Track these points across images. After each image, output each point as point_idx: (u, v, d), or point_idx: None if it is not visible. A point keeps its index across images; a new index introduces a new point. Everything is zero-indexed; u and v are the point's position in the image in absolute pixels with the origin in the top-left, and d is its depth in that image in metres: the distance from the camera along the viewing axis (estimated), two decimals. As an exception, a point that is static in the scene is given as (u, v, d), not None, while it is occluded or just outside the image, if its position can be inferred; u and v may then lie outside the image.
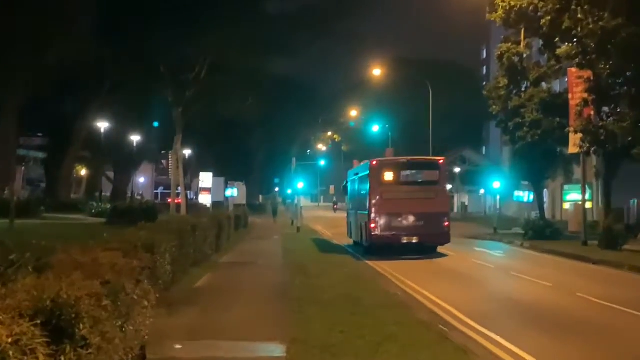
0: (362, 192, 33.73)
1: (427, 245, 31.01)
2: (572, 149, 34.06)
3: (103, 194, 69.53)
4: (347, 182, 39.74)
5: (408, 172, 32.64)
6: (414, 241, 30.65)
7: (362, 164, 36.86)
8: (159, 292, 13.90)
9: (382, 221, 30.90)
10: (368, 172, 32.38)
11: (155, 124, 58.43)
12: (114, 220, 36.10)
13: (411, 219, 30.81)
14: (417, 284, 20.79)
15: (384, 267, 25.83)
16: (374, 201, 31.22)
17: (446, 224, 31.00)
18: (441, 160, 33.36)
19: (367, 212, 31.48)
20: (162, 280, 14.56)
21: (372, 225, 30.91)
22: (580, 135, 32.14)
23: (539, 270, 25.04)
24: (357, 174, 36.88)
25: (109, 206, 45.72)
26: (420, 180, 32.32)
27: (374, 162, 32.49)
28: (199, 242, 22.39)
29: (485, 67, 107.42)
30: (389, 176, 31.83)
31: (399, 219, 30.89)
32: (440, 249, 31.44)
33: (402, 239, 30.62)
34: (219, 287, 19.21)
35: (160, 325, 12.29)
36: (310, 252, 30.37)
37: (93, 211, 47.41)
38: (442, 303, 17.28)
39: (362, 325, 13.37)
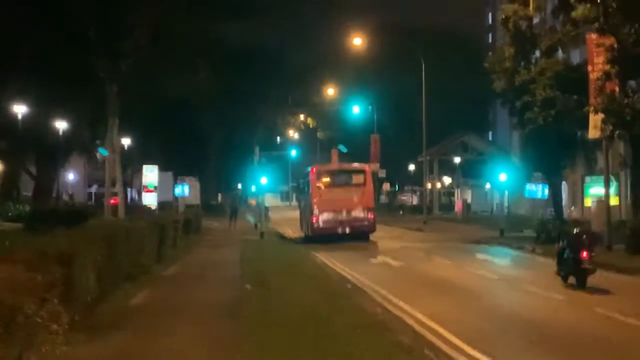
0: (306, 193, 49.09)
1: (359, 234, 44.98)
2: (593, 133, 33.94)
3: (24, 193, 68.83)
4: (298, 185, 57.40)
5: (340, 177, 47.98)
6: (347, 231, 45.13)
7: (307, 170, 50.78)
8: (80, 313, 13.84)
9: (321, 216, 45.62)
10: (309, 177, 47.90)
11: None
12: (35, 225, 35.81)
13: (344, 213, 45.64)
14: (402, 299, 20.85)
15: (363, 279, 25.98)
16: (314, 200, 46.22)
17: (371, 216, 46.02)
18: (367, 167, 50.10)
19: (310, 209, 46.55)
20: (82, 298, 14.44)
21: (314, 220, 45.72)
22: (601, 115, 32.11)
23: (550, 280, 25.01)
24: (304, 178, 51.76)
25: (28, 208, 45.42)
26: (350, 183, 47.13)
27: (313, 169, 48.20)
28: (135, 251, 22.29)
29: (491, 35, 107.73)
30: (325, 180, 47.01)
31: (334, 214, 45.65)
32: (434, 257, 34.14)
33: (338, 230, 45.29)
34: (157, 305, 19.12)
35: (78, 355, 12.21)
36: (274, 261, 30.24)
37: (10, 214, 47.05)
38: (429, 322, 17.36)
39: (329, 351, 13.35)
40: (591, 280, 22.67)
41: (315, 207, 45.86)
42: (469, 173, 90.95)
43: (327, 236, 44.32)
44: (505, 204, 55.48)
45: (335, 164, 57.17)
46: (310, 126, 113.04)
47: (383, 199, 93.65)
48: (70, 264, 13.07)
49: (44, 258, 11.49)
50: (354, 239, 43.74)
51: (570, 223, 28.84)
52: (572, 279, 23.24)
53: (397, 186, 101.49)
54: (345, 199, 45.92)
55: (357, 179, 47.26)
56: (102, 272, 16.71)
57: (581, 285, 22.75)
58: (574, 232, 23.87)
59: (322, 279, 25.30)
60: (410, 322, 17.65)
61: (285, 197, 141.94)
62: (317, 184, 46.70)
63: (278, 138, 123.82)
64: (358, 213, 45.80)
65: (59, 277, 11.42)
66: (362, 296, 21.91)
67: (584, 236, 23.40)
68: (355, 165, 52.26)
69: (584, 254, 22.60)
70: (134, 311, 17.99)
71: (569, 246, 23.50)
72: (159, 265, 27.38)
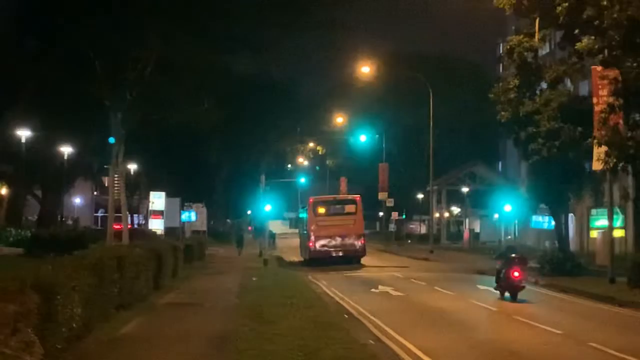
0: (305, 221, 55.35)
1: (351, 257, 50.69)
2: (596, 165, 33.80)
3: (29, 217, 68.90)
4: (299, 214, 64.37)
5: (334, 207, 54.07)
6: (340, 254, 50.82)
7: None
8: (62, 342, 13.68)
9: (317, 241, 51.44)
10: (307, 207, 54.38)
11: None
12: (36, 250, 35.67)
13: (337, 239, 51.36)
14: (397, 329, 20.74)
15: (361, 309, 25.82)
16: (311, 227, 52.12)
17: (362, 241, 51.92)
18: (357, 197, 55.33)
19: (307, 235, 52.35)
20: (66, 327, 14.29)
21: (311, 244, 51.52)
22: (605, 148, 31.98)
23: (550, 313, 24.96)
24: (303, 207, 59.41)
25: (29, 233, 45.22)
26: (343, 212, 53.05)
27: (311, 200, 54.74)
28: (129, 279, 22.14)
29: (501, 66, 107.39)
30: (321, 209, 53.25)
31: (329, 239, 51.35)
32: (436, 288, 33.90)
33: (332, 253, 50.92)
34: (146, 335, 18.90)
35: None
36: (273, 291, 30.02)
37: (10, 239, 46.87)
38: (421, 355, 17.29)
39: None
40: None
41: (312, 233, 51.86)
42: (477, 203, 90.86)
43: (323, 259, 50.04)
44: (513, 235, 55.34)
45: (330, 195, 64.26)
46: (320, 153, 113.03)
47: (392, 227, 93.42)
48: (50, 292, 12.91)
49: (21, 287, 11.36)
50: (347, 263, 49.47)
51: (506, 248, 33.98)
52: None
53: (404, 215, 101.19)
54: (339, 227, 51.87)
55: (349, 208, 53.65)
56: (90, 300, 16.55)
57: (513, 298, 28.43)
58: (509, 256, 29.53)
59: (320, 309, 25.02)
60: (402, 354, 17.49)
61: (295, 224, 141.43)
62: (314, 213, 52.98)
63: (289, 165, 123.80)
64: (350, 239, 51.71)
65: (35, 306, 11.28)
66: (357, 327, 21.69)
67: (516, 259, 29.01)
68: (348, 196, 60.93)
69: (515, 274, 28.33)
70: (121, 341, 17.77)
71: (504, 267, 28.86)
72: (156, 293, 27.21)
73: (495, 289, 29.67)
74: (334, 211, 53.46)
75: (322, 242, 51.48)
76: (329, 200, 57.15)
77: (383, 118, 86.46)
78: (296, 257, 57.00)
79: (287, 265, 49.25)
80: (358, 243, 51.81)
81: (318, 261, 49.93)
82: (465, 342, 19.54)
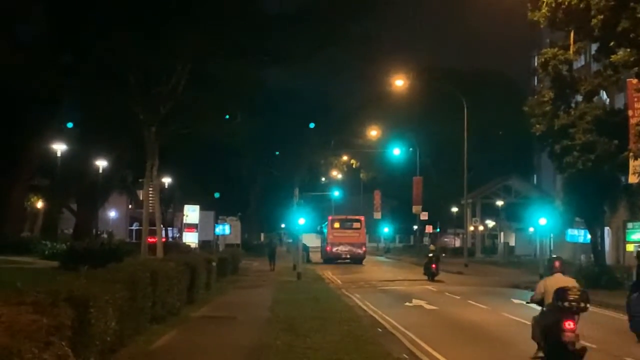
0: (324, 233, 76.72)
1: (356, 260, 70.35)
2: (632, 178, 33.76)
3: (64, 230, 69.29)
4: (321, 228, 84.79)
5: (346, 223, 74.42)
6: (347, 257, 71.11)
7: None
8: (98, 356, 13.77)
9: (332, 247, 72.16)
10: (327, 222, 75.48)
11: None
12: (70, 263, 35.61)
13: (346, 246, 71.81)
14: (430, 343, 20.72)
15: (395, 322, 25.76)
16: (329, 237, 72.90)
17: (364, 249, 73.42)
18: (362, 217, 76.69)
19: (325, 243, 74.22)
20: (100, 340, 14.37)
21: (328, 249, 73.04)
22: (640, 161, 31.84)
23: (584, 328, 24.54)
24: (324, 222, 79.34)
25: (64, 246, 45.35)
26: (351, 227, 73.53)
27: (330, 218, 77.00)
28: (163, 293, 22.20)
29: (536, 78, 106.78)
30: (336, 225, 73.88)
31: (340, 247, 71.78)
32: (470, 301, 33.98)
33: (342, 256, 71.25)
34: (179, 349, 18.90)
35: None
36: (307, 304, 29.98)
37: (46, 252, 46.98)
38: (455, 370, 17.22)
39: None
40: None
41: (329, 241, 72.99)
42: (512, 216, 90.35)
43: (335, 260, 70.52)
44: (549, 248, 54.92)
45: (343, 215, 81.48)
46: (354, 167, 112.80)
47: (427, 241, 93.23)
48: (84, 305, 12.99)
49: (54, 300, 11.44)
50: (353, 263, 68.88)
51: (430, 250, 51.13)
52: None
53: (439, 228, 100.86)
54: (348, 237, 72.40)
55: (356, 225, 74.31)
56: (124, 314, 16.62)
57: (432, 279, 47.21)
58: (431, 257, 48.33)
59: (353, 322, 24.95)
60: (436, 369, 17.54)
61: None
62: (331, 227, 73.74)
63: (323, 179, 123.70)
64: (356, 247, 72.30)
65: (68, 319, 11.35)
66: (391, 341, 21.65)
67: (434, 258, 48.31)
68: (355, 216, 78.16)
69: (433, 265, 47.91)
70: (155, 354, 17.82)
71: (428, 262, 48.19)
72: (190, 307, 27.27)
73: (424, 274, 48.53)
74: (345, 226, 73.96)
75: (335, 247, 72.27)
76: (342, 218, 77.64)
77: (417, 131, 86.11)
78: (331, 272, 56.96)
79: (324, 282, 48.64)
80: (361, 250, 72.64)
81: (331, 261, 70.40)
82: (498, 356, 19.51)
